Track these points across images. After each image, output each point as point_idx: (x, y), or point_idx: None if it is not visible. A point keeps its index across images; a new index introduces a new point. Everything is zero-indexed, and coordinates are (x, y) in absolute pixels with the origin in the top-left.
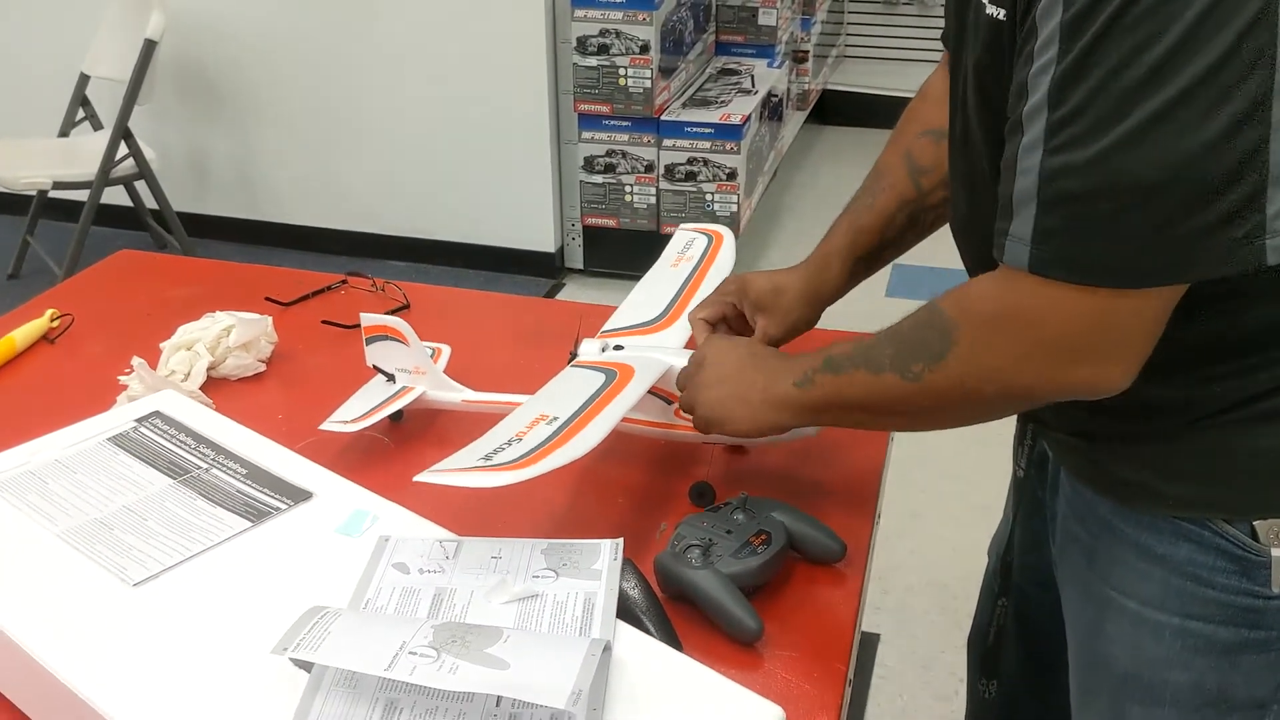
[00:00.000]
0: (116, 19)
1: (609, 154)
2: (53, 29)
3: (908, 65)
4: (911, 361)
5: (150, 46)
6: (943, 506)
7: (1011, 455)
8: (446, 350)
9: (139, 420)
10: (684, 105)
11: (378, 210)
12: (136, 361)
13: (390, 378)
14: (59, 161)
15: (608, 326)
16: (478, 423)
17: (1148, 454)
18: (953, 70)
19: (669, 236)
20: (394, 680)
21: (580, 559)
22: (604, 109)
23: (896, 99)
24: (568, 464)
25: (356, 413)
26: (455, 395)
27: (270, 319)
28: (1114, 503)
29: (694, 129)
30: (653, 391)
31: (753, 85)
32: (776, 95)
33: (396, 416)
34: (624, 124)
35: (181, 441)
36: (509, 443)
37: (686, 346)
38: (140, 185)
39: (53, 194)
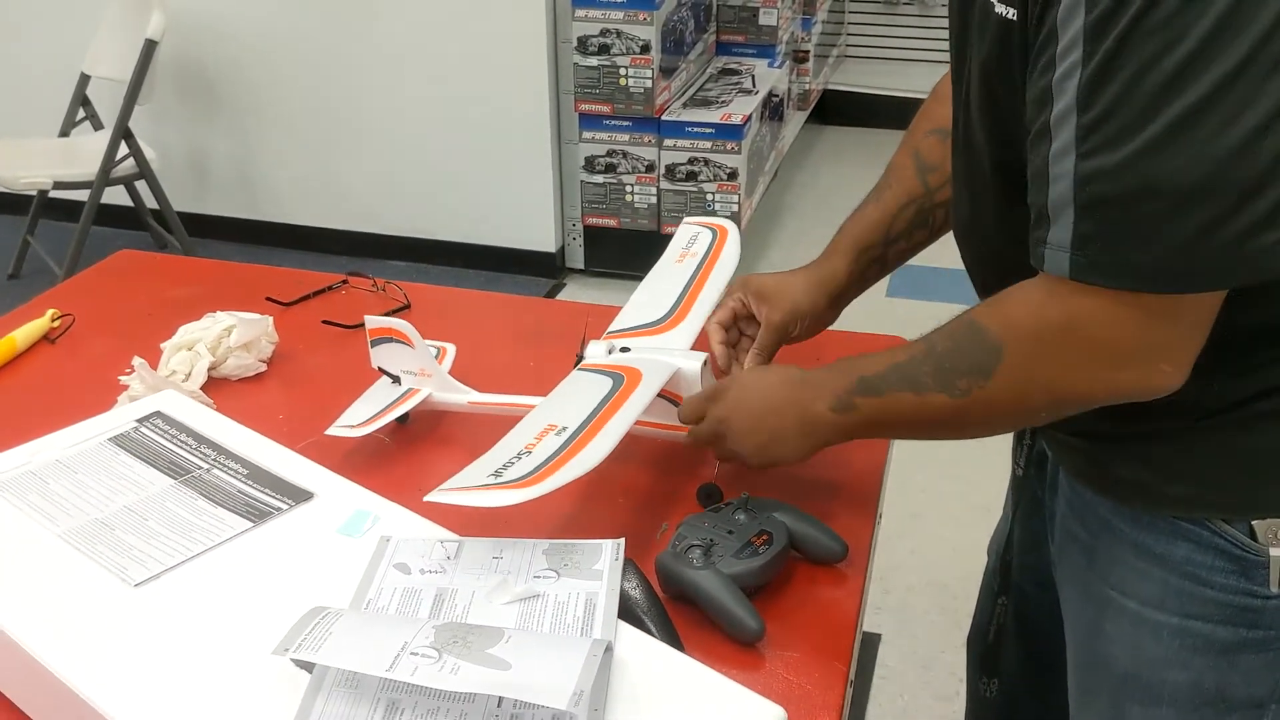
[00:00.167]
0: (117, 19)
1: (610, 154)
2: (53, 29)
3: (908, 65)
4: (957, 379)
5: (150, 46)
6: (943, 506)
7: (1011, 455)
8: (452, 349)
9: (140, 420)
10: (685, 105)
11: (378, 210)
12: (137, 361)
13: (396, 380)
14: (59, 161)
15: (614, 327)
16: (482, 424)
17: (1147, 454)
18: (954, 72)
19: (670, 236)
20: (395, 681)
21: (581, 559)
22: (605, 109)
23: (897, 99)
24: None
25: (363, 417)
26: (461, 397)
27: (271, 319)
28: (1113, 502)
29: (695, 129)
30: (658, 394)
31: (753, 85)
32: (777, 95)
33: (402, 419)
34: (625, 124)
35: (182, 442)
36: (518, 456)
37: (695, 348)
38: (141, 185)
39: (53, 194)
